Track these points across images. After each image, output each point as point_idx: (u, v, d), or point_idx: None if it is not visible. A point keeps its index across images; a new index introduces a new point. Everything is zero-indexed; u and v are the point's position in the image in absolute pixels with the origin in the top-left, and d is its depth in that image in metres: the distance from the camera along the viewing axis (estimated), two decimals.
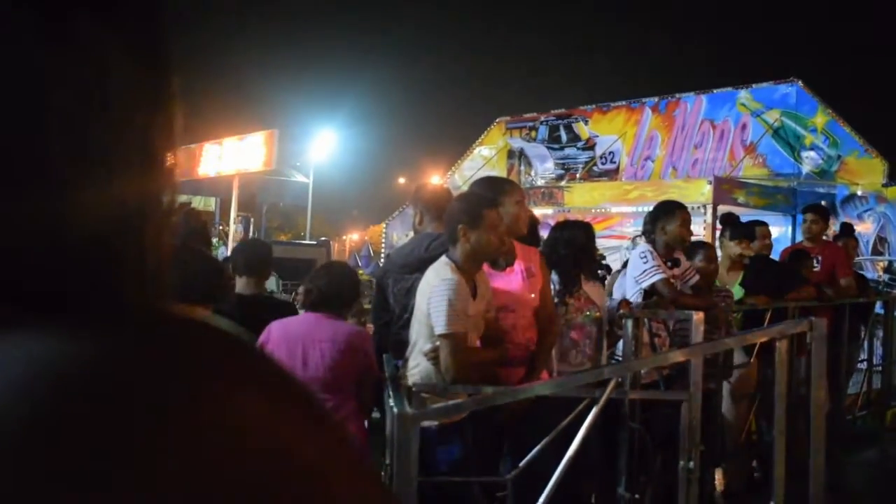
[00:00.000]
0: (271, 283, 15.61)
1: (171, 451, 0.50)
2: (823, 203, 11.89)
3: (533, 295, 4.57)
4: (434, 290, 4.04)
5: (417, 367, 4.13)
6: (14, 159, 0.53)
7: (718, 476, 6.10)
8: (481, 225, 4.10)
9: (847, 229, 10.11)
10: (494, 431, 4.47)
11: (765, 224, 8.24)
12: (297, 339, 4.32)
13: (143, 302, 0.59)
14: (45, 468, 0.47)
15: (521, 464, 3.95)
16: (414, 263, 4.68)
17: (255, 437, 0.54)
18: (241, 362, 0.58)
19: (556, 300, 5.13)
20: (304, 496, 0.56)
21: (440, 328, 3.99)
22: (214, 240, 18.77)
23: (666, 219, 5.92)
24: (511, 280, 4.55)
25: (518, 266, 4.57)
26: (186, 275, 3.69)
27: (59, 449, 0.48)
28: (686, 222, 6.00)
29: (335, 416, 0.64)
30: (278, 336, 4.34)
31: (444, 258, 4.17)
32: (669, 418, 4.55)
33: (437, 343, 4.03)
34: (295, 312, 5.02)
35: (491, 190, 4.61)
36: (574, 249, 5.40)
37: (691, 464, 4.08)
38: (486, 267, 4.39)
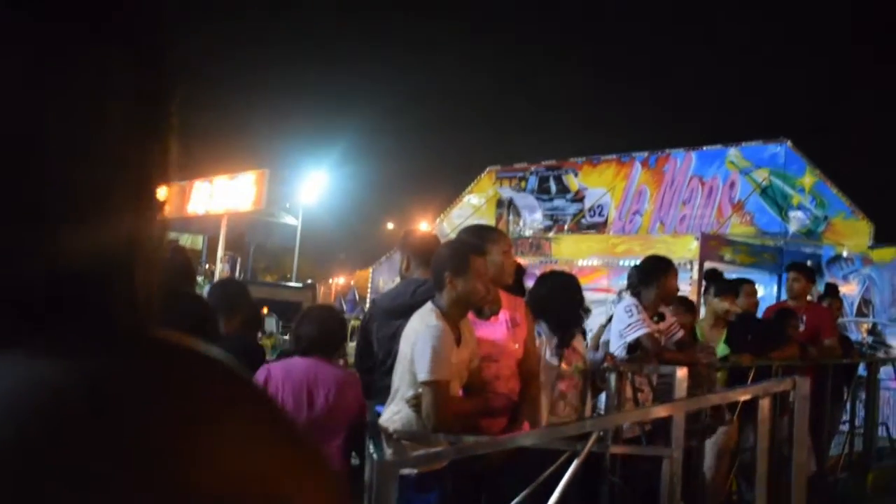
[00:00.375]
0: (270, 324, 15.52)
1: (150, 470, 0.51)
2: (809, 263, 11.96)
3: (517, 345, 4.56)
4: (418, 337, 4.03)
5: (399, 414, 4.11)
6: (12, 189, 0.54)
7: None
8: (468, 272, 4.10)
9: (832, 290, 10.16)
10: (473, 482, 4.44)
11: (751, 282, 8.27)
12: (301, 381, 4.38)
13: (134, 328, 0.60)
14: (26, 481, 0.48)
15: None
16: (399, 309, 4.67)
17: (235, 462, 0.54)
18: (228, 387, 0.58)
19: (551, 353, 5.12)
20: None
21: (423, 375, 3.97)
22: (200, 278, 18.70)
23: (662, 274, 5.95)
24: (495, 329, 4.54)
25: (503, 315, 4.56)
26: (174, 316, 3.69)
27: (41, 462, 0.48)
28: (677, 277, 6.06)
29: (321, 447, 0.64)
30: (281, 378, 4.39)
31: (429, 304, 4.16)
32: (650, 475, 4.53)
33: (420, 390, 4.02)
34: (262, 356, 5.05)
35: (478, 238, 4.62)
36: (569, 299, 5.41)
37: None
38: (470, 315, 4.38)
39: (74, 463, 0.49)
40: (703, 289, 8.73)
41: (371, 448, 3.59)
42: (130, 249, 0.60)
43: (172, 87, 0.63)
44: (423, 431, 3.97)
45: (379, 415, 4.23)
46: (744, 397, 5.15)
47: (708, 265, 11.71)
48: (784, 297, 10.30)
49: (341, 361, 5.67)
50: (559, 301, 5.37)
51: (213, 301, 5.02)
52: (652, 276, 5.99)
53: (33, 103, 0.54)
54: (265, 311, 13.91)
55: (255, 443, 0.57)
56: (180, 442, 0.53)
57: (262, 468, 0.56)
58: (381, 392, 4.50)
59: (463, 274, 4.09)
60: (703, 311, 8.09)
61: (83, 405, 0.51)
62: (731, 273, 9.48)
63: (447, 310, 4.11)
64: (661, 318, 5.97)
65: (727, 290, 7.48)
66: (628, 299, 5.97)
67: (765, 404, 3.83)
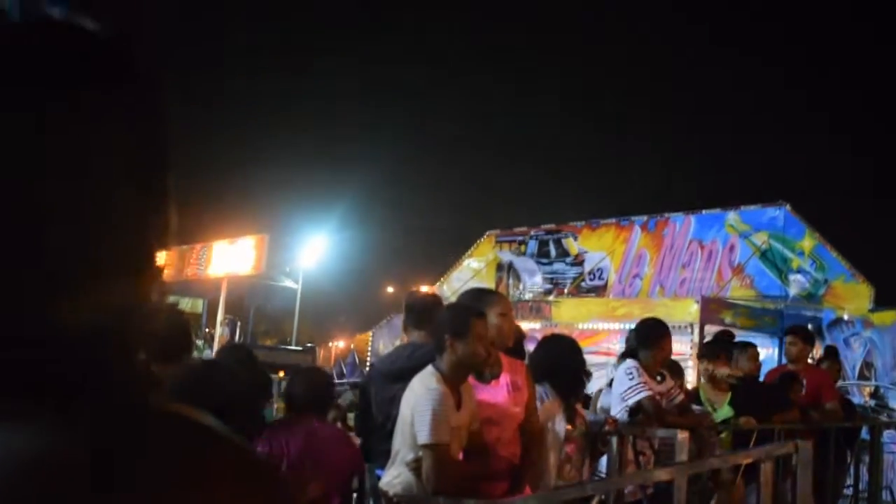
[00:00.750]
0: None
1: None
2: (810, 326, 11.92)
3: (518, 408, 4.53)
4: (419, 400, 4.01)
5: (399, 478, 4.08)
6: (14, 254, 0.54)
7: None
8: (468, 336, 4.09)
9: (831, 352, 10.12)
10: None
11: (754, 346, 8.25)
12: (301, 441, 4.38)
13: (131, 393, 0.60)
14: None
15: None
16: (397, 372, 4.66)
17: None
18: (222, 457, 0.58)
19: (560, 418, 5.09)
20: None
21: (423, 438, 3.95)
22: (200, 342, 18.64)
23: (661, 336, 5.95)
24: (496, 393, 4.51)
25: (504, 379, 4.53)
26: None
27: None
28: (671, 339, 6.06)
29: None
30: (284, 439, 4.37)
31: (430, 368, 4.15)
32: None
33: (420, 453, 3.99)
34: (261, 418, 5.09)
35: (476, 301, 4.62)
36: (572, 362, 5.40)
37: None
38: (471, 379, 4.36)
39: None
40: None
41: None
42: (128, 314, 0.60)
43: (169, 157, 0.64)
44: (424, 495, 3.94)
45: (379, 478, 4.20)
46: (746, 461, 5.10)
47: (709, 328, 11.71)
48: (784, 360, 10.28)
49: (339, 425, 5.69)
50: (563, 365, 5.35)
51: None
52: (651, 339, 5.98)
53: (37, 173, 0.55)
54: (281, 374, 13.84)
55: None
56: None
57: None
58: (380, 455, 4.47)
59: (464, 337, 4.09)
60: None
61: (79, 477, 0.51)
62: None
63: (447, 373, 4.10)
64: (663, 378, 5.95)
65: (709, 354, 7.47)
66: (629, 362, 5.94)
67: (767, 468, 3.80)
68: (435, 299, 5.36)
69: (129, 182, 0.60)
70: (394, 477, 4.10)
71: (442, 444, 3.96)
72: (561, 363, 5.34)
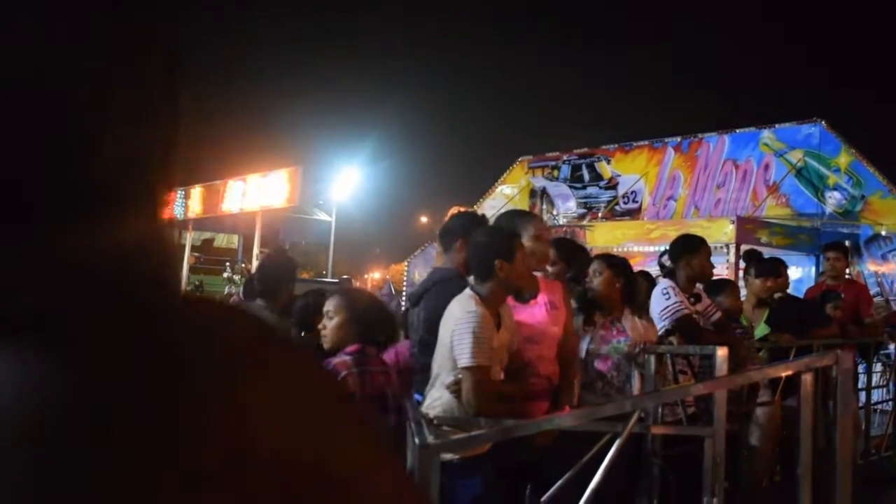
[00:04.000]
0: None
1: (208, 434, 0.51)
2: (847, 243, 11.82)
3: (556, 328, 4.57)
4: (458, 323, 4.04)
5: (439, 400, 4.12)
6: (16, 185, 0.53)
7: None
8: (515, 258, 4.14)
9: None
10: (517, 466, 4.44)
11: (782, 262, 8.22)
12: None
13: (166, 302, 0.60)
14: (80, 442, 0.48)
15: (543, 499, 3.91)
16: (413, 297, 4.78)
17: (289, 433, 0.54)
18: (277, 354, 0.59)
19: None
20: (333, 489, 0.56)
21: (464, 361, 3.98)
22: (237, 277, 18.78)
23: (691, 253, 5.91)
24: (535, 312, 4.55)
25: (542, 298, 4.57)
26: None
27: (97, 432, 0.49)
28: (709, 256, 6.00)
29: (371, 415, 0.65)
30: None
31: (468, 291, 4.18)
32: (694, 457, 4.49)
33: (460, 375, 4.02)
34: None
35: (513, 223, 4.64)
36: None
37: (715, 500, 4.03)
38: (509, 299, 4.39)
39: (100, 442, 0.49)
40: (743, 271, 8.66)
41: (412, 434, 3.59)
42: (129, 248, 0.59)
43: (179, 84, 0.62)
44: (464, 416, 3.97)
45: (418, 402, 4.24)
46: (785, 373, 5.09)
47: (745, 248, 11.64)
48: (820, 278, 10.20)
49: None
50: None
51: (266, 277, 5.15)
52: (679, 257, 5.95)
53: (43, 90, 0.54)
54: None
55: (307, 404, 0.57)
56: (231, 400, 0.53)
57: (315, 430, 0.56)
58: (415, 379, 4.53)
59: (511, 260, 4.13)
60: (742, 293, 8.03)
61: (130, 373, 0.51)
62: (768, 255, 9.40)
63: (487, 295, 4.12)
64: (698, 299, 5.93)
65: (768, 272, 7.42)
66: (664, 282, 5.92)
67: (807, 379, 3.78)
68: (456, 217, 5.27)
69: (137, 102, 0.59)
70: (434, 399, 4.14)
71: (482, 367, 3.99)
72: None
